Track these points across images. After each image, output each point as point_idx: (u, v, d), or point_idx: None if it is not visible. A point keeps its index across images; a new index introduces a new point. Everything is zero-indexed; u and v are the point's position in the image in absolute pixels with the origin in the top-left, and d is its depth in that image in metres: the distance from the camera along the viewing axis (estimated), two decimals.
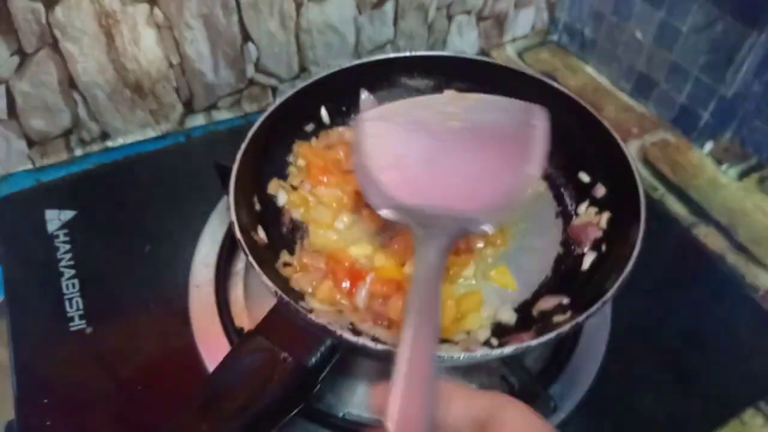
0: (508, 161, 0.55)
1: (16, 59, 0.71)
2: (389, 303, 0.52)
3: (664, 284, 0.69)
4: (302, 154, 0.67)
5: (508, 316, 0.55)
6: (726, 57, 0.81)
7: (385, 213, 0.51)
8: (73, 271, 0.61)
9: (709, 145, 0.91)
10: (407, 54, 0.71)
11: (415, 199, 0.52)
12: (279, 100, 0.64)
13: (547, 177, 0.67)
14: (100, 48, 0.75)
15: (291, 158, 0.68)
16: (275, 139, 0.66)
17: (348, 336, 0.45)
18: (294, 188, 0.64)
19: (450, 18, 0.97)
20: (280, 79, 0.91)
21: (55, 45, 0.72)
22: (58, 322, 0.57)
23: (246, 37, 0.83)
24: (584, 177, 0.65)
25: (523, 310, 0.56)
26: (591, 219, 0.61)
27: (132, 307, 0.58)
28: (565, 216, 0.64)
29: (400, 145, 0.58)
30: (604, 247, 0.58)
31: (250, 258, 0.49)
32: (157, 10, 0.75)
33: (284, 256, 0.58)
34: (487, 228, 0.49)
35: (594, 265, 0.57)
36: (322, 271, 0.55)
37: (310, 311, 0.48)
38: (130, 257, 0.64)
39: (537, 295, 0.57)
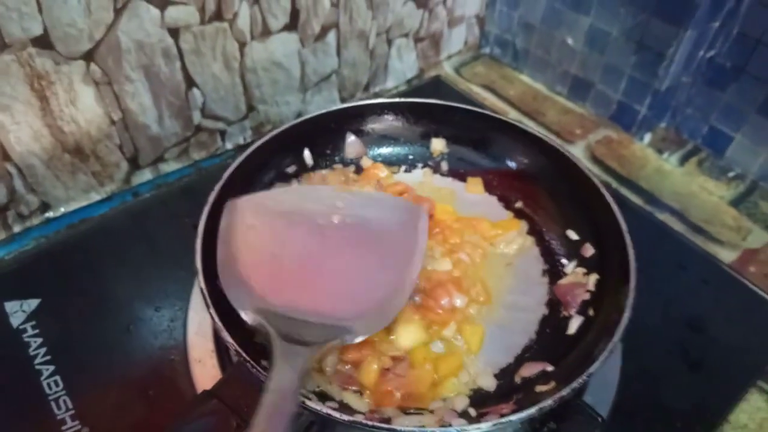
0: (388, 264, 0.52)
1: None
2: (360, 368, 0.49)
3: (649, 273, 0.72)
4: None
5: (488, 383, 0.52)
6: (656, 54, 0.87)
7: (247, 316, 0.46)
8: (52, 367, 0.54)
9: (648, 137, 0.96)
10: (396, 100, 0.71)
11: (283, 301, 0.47)
12: (260, 141, 0.62)
13: (534, 232, 0.66)
14: (34, 113, 0.68)
15: None
16: (254, 181, 0.63)
17: (311, 404, 0.41)
18: None
19: (390, 42, 0.97)
20: (228, 122, 0.87)
21: None
22: (49, 429, 0.50)
23: (190, 83, 0.79)
24: (573, 235, 0.64)
25: (505, 376, 0.53)
26: (579, 279, 0.60)
27: (128, 395, 0.52)
28: (552, 275, 0.63)
29: (277, 240, 0.53)
30: (591, 311, 0.56)
31: (211, 310, 0.46)
32: (94, 66, 0.70)
33: None
34: (358, 338, 0.46)
35: (581, 329, 0.55)
36: None
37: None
38: (113, 340, 0.58)
39: (520, 360, 0.55)
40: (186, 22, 0.73)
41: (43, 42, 0.64)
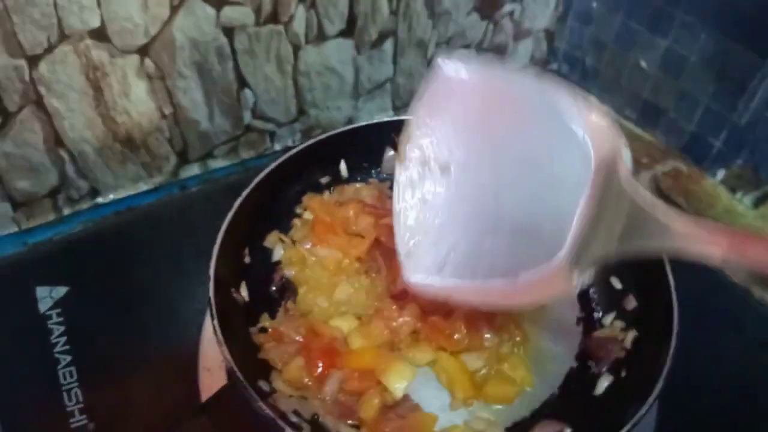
0: None
1: None
2: (362, 400, 0.47)
3: (699, 328, 0.66)
4: (311, 207, 0.63)
5: None
6: (737, 85, 0.80)
7: None
8: (69, 357, 0.55)
9: (721, 173, 0.89)
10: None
11: None
12: (295, 149, 0.61)
13: None
14: (88, 102, 0.70)
15: (299, 210, 0.64)
16: (285, 188, 0.62)
17: None
18: (294, 243, 0.60)
19: (450, 53, 0.94)
20: (278, 124, 0.87)
21: (39, 102, 0.67)
22: (58, 418, 0.51)
23: (242, 83, 0.79)
24: (616, 283, 0.59)
25: (516, 430, 0.49)
26: (615, 334, 0.54)
27: (137, 396, 0.52)
28: (587, 324, 0.57)
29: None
30: (623, 372, 0.51)
31: (215, 322, 0.44)
32: (148, 61, 0.71)
33: (264, 320, 0.53)
34: None
35: (609, 390, 0.50)
36: (297, 345, 0.50)
37: (269, 394, 0.43)
38: (132, 338, 0.58)
39: (537, 415, 0.50)
40: (241, 23, 0.74)
41: (100, 34, 0.66)
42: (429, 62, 0.93)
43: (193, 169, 0.85)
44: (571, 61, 1.03)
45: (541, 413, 0.50)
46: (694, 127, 0.88)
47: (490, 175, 0.46)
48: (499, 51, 1.00)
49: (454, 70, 0.50)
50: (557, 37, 1.03)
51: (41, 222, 0.77)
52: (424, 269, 0.46)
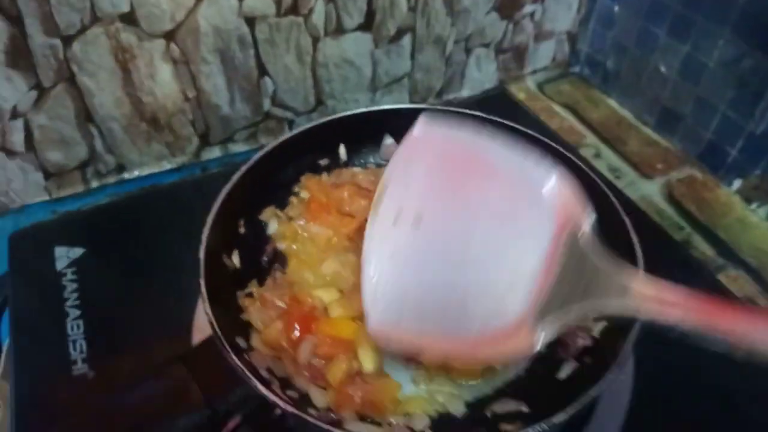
0: None
1: (34, 93, 0.72)
2: (331, 365, 0.49)
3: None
4: (308, 187, 0.66)
5: (457, 409, 0.50)
6: (755, 93, 0.78)
7: None
8: (78, 312, 0.60)
9: (737, 183, 0.87)
10: (440, 107, 0.69)
11: None
12: (296, 130, 0.64)
13: None
14: (117, 82, 0.75)
15: (297, 189, 0.67)
16: (285, 167, 0.65)
17: (260, 387, 0.41)
18: (289, 219, 0.63)
19: (468, 51, 0.96)
20: (297, 112, 0.90)
21: (72, 79, 0.73)
22: (61, 365, 0.56)
23: (262, 71, 0.83)
24: None
25: (477, 406, 0.50)
26: (585, 323, 0.54)
27: (135, 351, 0.57)
28: None
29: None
30: (588, 359, 0.51)
31: (201, 281, 0.48)
32: (173, 46, 0.75)
33: (252, 286, 0.56)
34: None
35: (572, 376, 0.50)
36: (279, 310, 0.53)
37: (245, 351, 0.45)
38: (137, 297, 0.63)
39: (499, 394, 0.51)
40: (262, 13, 0.77)
41: (129, 18, 0.71)
42: (447, 59, 0.95)
43: (215, 152, 0.89)
44: (593, 64, 1.03)
45: (502, 391, 0.51)
46: (711, 135, 0.87)
47: (459, 230, 0.47)
48: (520, 51, 1.01)
49: (433, 129, 0.53)
50: (579, 39, 1.03)
51: (70, 192, 0.83)
52: (389, 318, 0.47)
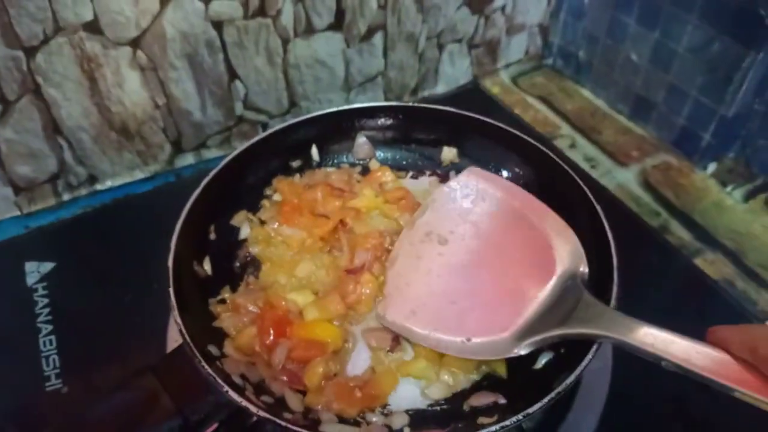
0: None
1: None
2: (307, 368, 0.49)
3: (669, 319, 0.66)
4: (280, 189, 0.65)
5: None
6: (724, 77, 0.79)
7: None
8: (50, 327, 0.59)
9: (712, 167, 0.88)
10: (411, 104, 0.70)
11: None
12: (266, 132, 0.64)
13: None
14: (84, 92, 0.74)
15: (268, 191, 0.66)
16: (256, 170, 0.65)
17: (232, 394, 0.41)
18: (262, 223, 0.63)
19: (441, 47, 0.95)
20: (270, 115, 0.89)
21: (37, 91, 0.71)
22: (34, 380, 0.54)
23: (233, 75, 0.82)
24: None
25: (454, 400, 0.51)
26: None
27: (108, 365, 0.56)
28: None
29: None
30: (563, 349, 0.51)
31: (170, 290, 0.47)
32: (140, 53, 0.74)
33: (224, 293, 0.56)
34: None
35: (547, 365, 0.51)
36: (252, 315, 0.53)
37: (218, 358, 0.45)
38: (109, 310, 0.62)
39: (476, 387, 0.52)
40: (229, 16, 0.77)
41: (93, 27, 0.70)
42: (420, 56, 0.95)
43: (188, 159, 0.88)
44: (566, 55, 1.04)
45: (479, 385, 0.52)
46: (684, 121, 0.88)
47: (475, 257, 0.57)
48: (492, 45, 1.01)
49: (472, 178, 0.64)
50: (551, 31, 1.03)
51: (42, 207, 0.81)
52: (398, 311, 0.54)
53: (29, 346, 0.57)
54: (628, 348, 0.42)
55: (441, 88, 1.01)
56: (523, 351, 0.48)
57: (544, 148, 0.63)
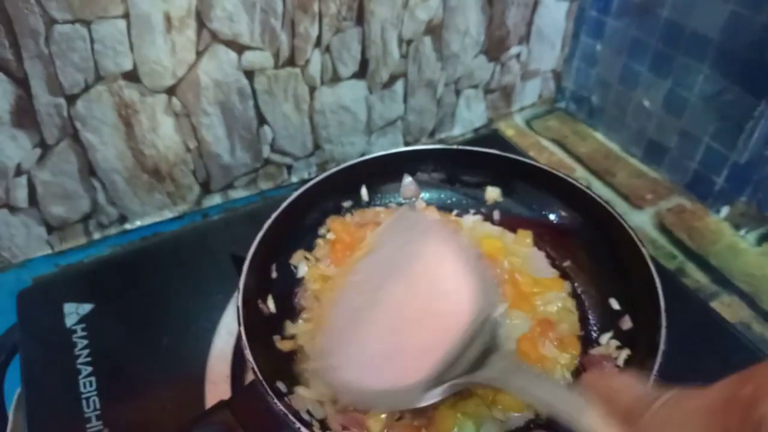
0: None
1: (38, 151, 0.73)
2: (370, 414, 0.50)
3: (687, 361, 0.67)
4: (333, 228, 0.69)
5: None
6: (736, 125, 0.82)
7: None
8: (90, 368, 0.60)
9: (725, 210, 0.90)
10: (454, 147, 0.73)
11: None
12: (322, 175, 0.67)
13: (576, 295, 0.65)
14: (120, 136, 0.77)
15: (322, 231, 0.69)
16: (311, 211, 0.68)
17: (304, 431, 0.43)
18: (317, 261, 0.66)
19: (458, 93, 0.99)
20: (295, 158, 0.92)
21: (75, 135, 0.74)
22: (75, 423, 0.56)
23: (261, 120, 0.85)
24: (615, 304, 0.62)
25: None
26: (610, 352, 0.57)
27: (148, 406, 0.57)
28: (585, 342, 0.60)
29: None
30: None
31: (242, 329, 0.49)
32: (175, 100, 0.77)
33: (289, 327, 0.58)
34: None
35: None
36: None
37: (286, 394, 0.47)
38: (147, 352, 0.63)
39: (531, 424, 0.52)
40: (261, 66, 0.80)
41: (132, 76, 0.73)
42: (438, 101, 0.98)
43: (215, 199, 0.91)
44: (578, 100, 1.07)
45: (534, 422, 0.53)
46: (697, 165, 0.91)
47: (400, 305, 0.53)
48: (507, 90, 1.04)
49: (401, 220, 0.61)
50: (564, 77, 1.07)
51: (73, 245, 0.84)
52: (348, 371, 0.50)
53: (69, 388, 0.58)
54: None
55: (457, 131, 1.04)
56: (430, 400, 0.47)
57: (591, 192, 0.65)
